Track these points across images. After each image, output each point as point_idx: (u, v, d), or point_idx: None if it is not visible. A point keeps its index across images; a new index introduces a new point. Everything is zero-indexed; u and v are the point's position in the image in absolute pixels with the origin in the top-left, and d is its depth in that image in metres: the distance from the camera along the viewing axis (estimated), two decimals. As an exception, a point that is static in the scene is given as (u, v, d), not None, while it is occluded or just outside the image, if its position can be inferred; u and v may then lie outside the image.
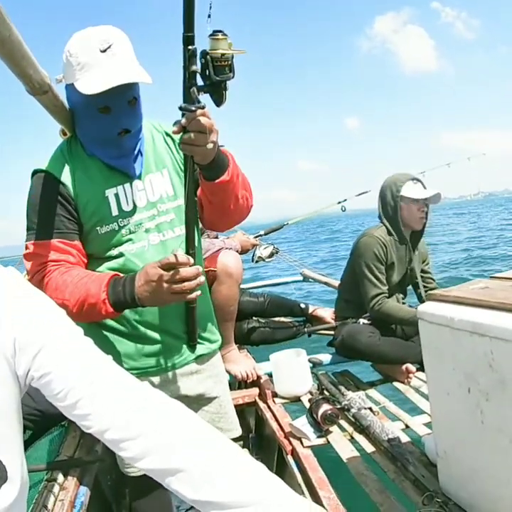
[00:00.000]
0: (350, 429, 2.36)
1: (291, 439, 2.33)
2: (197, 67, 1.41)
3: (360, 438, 2.29)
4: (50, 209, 1.67)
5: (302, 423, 2.33)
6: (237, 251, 3.36)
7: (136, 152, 1.75)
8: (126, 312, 1.71)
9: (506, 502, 1.41)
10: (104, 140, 1.68)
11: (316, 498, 1.88)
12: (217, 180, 1.62)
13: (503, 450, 1.38)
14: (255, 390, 2.97)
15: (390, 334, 3.14)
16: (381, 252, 3.08)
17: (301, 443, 2.28)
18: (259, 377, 2.98)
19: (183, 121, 1.42)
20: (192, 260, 1.51)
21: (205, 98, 1.46)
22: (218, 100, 1.48)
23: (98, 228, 1.70)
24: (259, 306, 3.85)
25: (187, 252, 1.63)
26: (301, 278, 5.90)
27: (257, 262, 4.47)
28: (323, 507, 1.77)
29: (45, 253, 1.65)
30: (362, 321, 3.15)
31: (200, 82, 1.44)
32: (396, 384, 2.97)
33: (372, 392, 2.86)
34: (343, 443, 2.25)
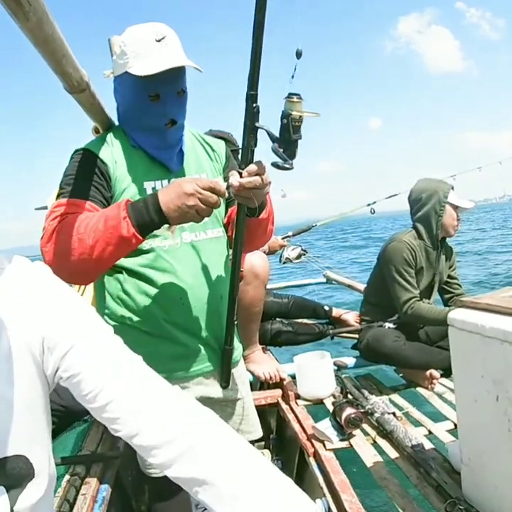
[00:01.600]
0: (373, 433, 2.35)
1: (313, 441, 2.33)
2: (260, 124, 1.49)
3: (383, 442, 2.28)
4: (87, 178, 1.66)
5: (326, 426, 2.33)
6: (264, 251, 3.37)
7: (178, 148, 1.79)
8: (156, 312, 1.72)
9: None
10: (151, 129, 1.72)
11: (338, 501, 1.88)
12: (255, 218, 1.69)
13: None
14: (278, 391, 2.96)
15: (415, 339, 3.14)
16: (410, 257, 3.09)
17: (324, 446, 2.27)
18: (282, 379, 2.97)
19: (246, 173, 1.47)
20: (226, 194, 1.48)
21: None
22: (291, 156, 1.54)
23: None
24: (283, 307, 3.86)
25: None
26: (324, 280, 5.90)
27: (284, 263, 4.49)
28: (345, 510, 1.78)
29: (70, 210, 1.58)
30: (387, 325, 3.15)
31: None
32: (419, 389, 2.96)
33: (395, 397, 2.85)
34: (365, 447, 2.25)
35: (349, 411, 2.28)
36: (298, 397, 2.87)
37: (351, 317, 3.86)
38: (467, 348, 1.55)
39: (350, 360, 3.31)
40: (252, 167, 1.46)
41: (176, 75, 1.63)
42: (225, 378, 1.87)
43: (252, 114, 1.47)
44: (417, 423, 2.48)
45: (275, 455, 2.92)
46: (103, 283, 1.78)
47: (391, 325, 3.15)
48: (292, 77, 1.45)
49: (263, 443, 3.13)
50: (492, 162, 5.81)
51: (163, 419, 0.94)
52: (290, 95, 1.48)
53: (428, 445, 2.18)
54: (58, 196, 1.64)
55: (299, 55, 1.43)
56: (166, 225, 1.49)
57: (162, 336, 1.76)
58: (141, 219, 1.46)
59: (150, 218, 1.46)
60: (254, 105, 1.47)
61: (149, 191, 1.72)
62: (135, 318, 1.74)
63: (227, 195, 1.47)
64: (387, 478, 1.99)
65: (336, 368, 3.11)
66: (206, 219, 1.63)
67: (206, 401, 1.86)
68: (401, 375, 3.20)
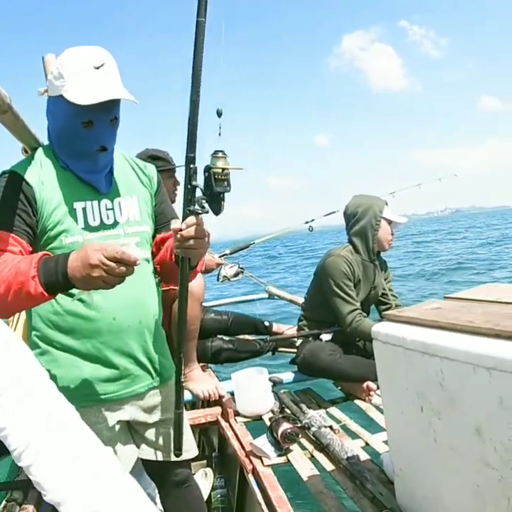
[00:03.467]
0: (310, 447, 2.37)
1: (251, 457, 2.33)
2: (197, 182, 1.59)
3: (320, 456, 2.30)
4: (10, 205, 1.63)
5: (263, 442, 2.33)
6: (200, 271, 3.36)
7: (107, 171, 1.79)
8: (87, 334, 1.70)
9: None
10: (82, 154, 1.71)
11: (276, 517, 1.89)
12: (191, 270, 1.75)
13: (454, 468, 1.41)
14: (218, 409, 2.95)
15: (352, 352, 3.18)
16: (349, 270, 3.16)
17: (262, 462, 2.28)
18: (221, 397, 2.97)
19: (185, 225, 1.53)
20: (139, 262, 1.44)
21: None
22: (216, 209, 1.62)
23: (63, 238, 1.67)
24: (223, 324, 3.86)
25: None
26: (266, 295, 5.90)
27: (222, 281, 4.47)
28: (282, 525, 1.79)
29: None
30: (324, 338, 3.18)
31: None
32: (357, 402, 2.99)
33: (333, 410, 2.87)
34: (303, 461, 2.26)
35: (285, 426, 2.29)
36: (237, 414, 2.86)
37: (291, 332, 3.88)
38: (391, 361, 1.58)
39: (288, 376, 3.32)
40: (191, 219, 1.52)
41: (110, 104, 1.62)
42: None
43: (189, 176, 1.58)
44: (354, 435, 2.50)
45: (218, 473, 2.90)
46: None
47: (327, 338, 3.17)
48: (219, 134, 1.65)
49: (206, 461, 3.12)
50: (431, 180, 5.95)
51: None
52: (216, 152, 1.67)
53: (364, 457, 2.21)
54: None
55: (219, 114, 1.65)
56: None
57: (93, 358, 1.73)
58: (49, 279, 1.45)
59: (57, 281, 1.46)
60: (191, 166, 1.60)
61: (79, 212, 1.71)
62: (66, 341, 1.71)
63: (139, 263, 1.44)
64: (323, 492, 2.00)
65: (272, 383, 3.10)
66: (138, 239, 1.63)
67: (140, 425, 1.86)
68: (340, 388, 3.23)
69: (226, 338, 3.73)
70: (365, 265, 3.26)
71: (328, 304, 3.21)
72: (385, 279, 3.46)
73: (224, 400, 2.95)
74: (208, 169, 1.64)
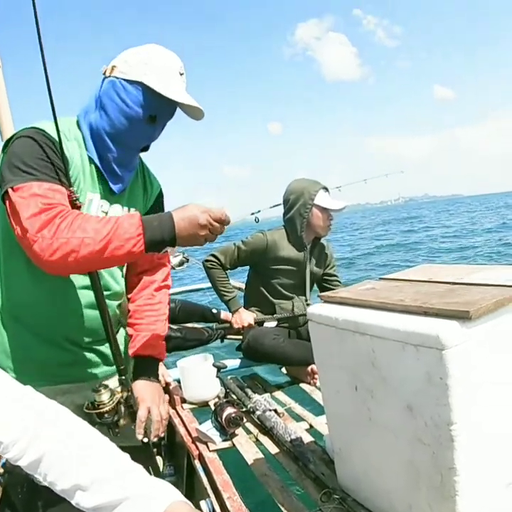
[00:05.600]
0: (255, 431, 2.39)
1: (197, 443, 2.34)
2: None
3: (264, 440, 2.32)
4: (52, 160, 1.55)
5: (207, 427, 2.34)
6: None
7: (128, 175, 1.79)
8: (46, 319, 1.68)
9: (397, 494, 1.48)
10: (128, 145, 1.71)
11: (221, 501, 1.89)
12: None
13: (389, 445, 1.44)
14: (165, 397, 2.96)
15: (296, 337, 3.22)
16: (260, 249, 3.26)
17: (208, 447, 2.29)
18: (167, 384, 2.97)
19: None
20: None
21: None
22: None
23: None
24: (170, 312, 3.85)
25: None
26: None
27: None
28: (227, 509, 1.80)
29: (51, 195, 1.49)
30: (267, 325, 3.21)
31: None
32: (303, 385, 3.03)
33: (279, 394, 2.91)
34: (248, 445, 2.28)
35: (229, 411, 2.30)
36: (184, 401, 2.87)
37: None
38: (325, 341, 1.60)
39: (235, 362, 3.35)
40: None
41: (173, 111, 1.68)
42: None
43: None
44: (298, 418, 2.54)
45: (167, 461, 2.90)
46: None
47: (272, 325, 3.21)
48: None
49: (155, 449, 3.12)
50: (378, 175, 6.06)
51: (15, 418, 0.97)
52: None
53: (308, 439, 2.24)
54: (15, 174, 1.49)
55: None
56: None
57: (50, 341, 1.71)
58: (154, 238, 1.50)
59: (162, 239, 1.51)
60: None
61: (87, 202, 1.68)
62: (26, 319, 1.70)
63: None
64: (267, 475, 2.02)
65: (217, 369, 3.12)
66: None
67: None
68: (285, 372, 3.26)
69: (174, 326, 3.71)
70: (296, 251, 3.29)
71: (263, 289, 3.30)
72: (327, 266, 3.49)
73: (171, 387, 2.96)
74: None
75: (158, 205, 1.97)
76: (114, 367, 1.79)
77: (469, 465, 1.26)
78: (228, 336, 3.87)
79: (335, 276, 3.52)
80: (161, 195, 1.99)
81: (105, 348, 1.82)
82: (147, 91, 1.60)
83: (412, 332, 1.23)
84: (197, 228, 1.52)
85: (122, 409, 1.70)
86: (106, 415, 1.64)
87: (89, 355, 1.80)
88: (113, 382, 1.81)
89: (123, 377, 1.74)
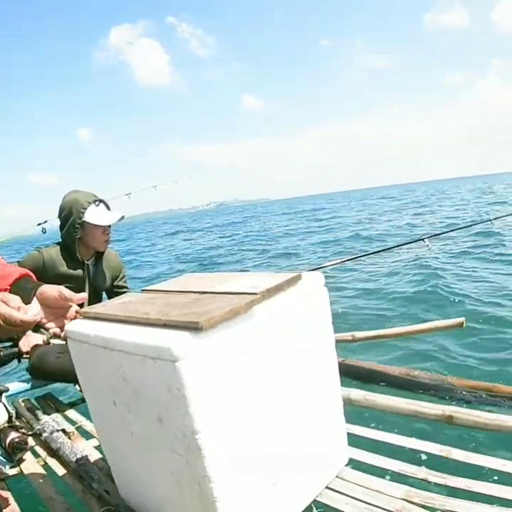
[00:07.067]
0: (43, 454, 2.31)
1: (-13, 474, 2.23)
2: None
3: (52, 462, 2.25)
4: None
5: (-8, 457, 2.25)
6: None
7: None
8: None
9: (170, 504, 1.51)
10: None
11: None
12: None
13: (152, 457, 1.46)
14: None
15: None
16: (34, 267, 3.00)
17: (-5, 476, 2.19)
18: None
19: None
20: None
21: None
22: None
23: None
24: None
25: None
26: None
27: None
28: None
29: None
30: (54, 342, 3.11)
31: None
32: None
33: (70, 412, 2.82)
34: (35, 469, 2.20)
35: (12, 436, 2.21)
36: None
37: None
38: (82, 358, 1.58)
39: (25, 384, 3.22)
40: None
41: None
42: None
43: None
44: (88, 436, 2.47)
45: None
46: None
47: (59, 341, 3.11)
48: None
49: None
50: (167, 182, 6.26)
51: None
52: None
53: (97, 456, 2.19)
54: None
55: None
56: None
57: None
58: None
59: None
60: None
61: None
62: None
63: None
64: (53, 497, 1.96)
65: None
66: None
67: None
68: (80, 389, 3.20)
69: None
70: (75, 266, 3.21)
71: None
72: (116, 278, 3.46)
73: None
74: None
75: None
76: None
77: (224, 471, 1.30)
78: (25, 356, 3.73)
79: (125, 287, 3.47)
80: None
81: None
82: None
83: (150, 345, 1.24)
84: None
85: None
86: None
87: None
88: None
89: None
